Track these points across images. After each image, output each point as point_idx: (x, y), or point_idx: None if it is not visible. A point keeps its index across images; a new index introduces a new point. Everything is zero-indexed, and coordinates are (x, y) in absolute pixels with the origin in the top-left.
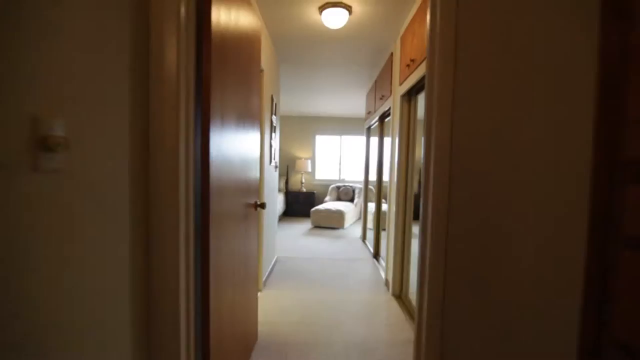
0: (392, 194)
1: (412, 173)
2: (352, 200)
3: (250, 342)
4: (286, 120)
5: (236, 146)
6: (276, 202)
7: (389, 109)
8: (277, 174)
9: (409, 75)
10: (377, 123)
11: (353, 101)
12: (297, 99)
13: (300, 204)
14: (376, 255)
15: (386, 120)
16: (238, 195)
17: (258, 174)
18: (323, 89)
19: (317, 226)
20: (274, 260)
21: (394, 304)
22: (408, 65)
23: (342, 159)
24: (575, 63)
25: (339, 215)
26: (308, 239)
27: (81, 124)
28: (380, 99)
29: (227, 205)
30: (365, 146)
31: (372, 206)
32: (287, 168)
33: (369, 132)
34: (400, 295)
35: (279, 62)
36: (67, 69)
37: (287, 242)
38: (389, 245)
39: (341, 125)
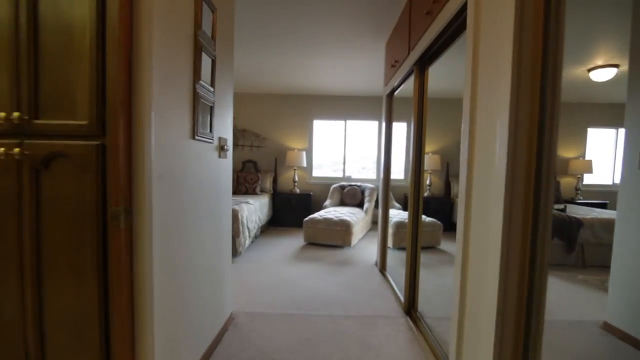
0: (486, 195)
1: (554, 148)
2: (360, 205)
3: None
4: (273, 99)
5: None
6: (227, 217)
7: (450, 23)
8: (227, 161)
9: None
10: (411, 75)
11: (363, 67)
12: (286, 67)
13: (292, 210)
14: (410, 309)
15: (431, 67)
16: None
17: None
18: (319, 31)
19: (312, 243)
20: (222, 326)
21: None
22: None
23: (347, 150)
24: None
25: (345, 227)
26: (296, 268)
27: None
28: (427, 13)
29: None
30: (385, 125)
31: (393, 214)
32: (275, 162)
33: (390, 102)
34: None
35: None
36: None
37: (263, 273)
38: (465, 317)
39: (346, 106)
